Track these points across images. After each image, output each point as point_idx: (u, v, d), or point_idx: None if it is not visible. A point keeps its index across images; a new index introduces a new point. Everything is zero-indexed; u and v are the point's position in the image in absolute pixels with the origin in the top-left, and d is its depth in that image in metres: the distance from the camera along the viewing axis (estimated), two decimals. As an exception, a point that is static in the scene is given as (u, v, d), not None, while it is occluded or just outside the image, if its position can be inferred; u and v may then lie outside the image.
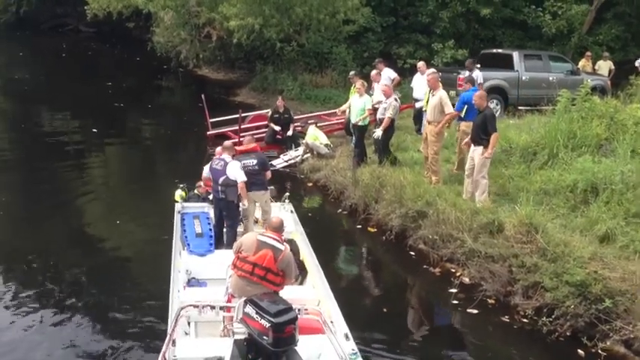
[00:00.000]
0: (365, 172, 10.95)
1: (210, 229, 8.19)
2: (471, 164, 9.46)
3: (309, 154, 13.47)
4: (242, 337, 5.05)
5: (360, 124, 11.94)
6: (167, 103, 22.82)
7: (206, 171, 8.67)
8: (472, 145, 9.45)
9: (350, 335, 5.73)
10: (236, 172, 8.08)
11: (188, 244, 7.84)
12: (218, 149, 8.70)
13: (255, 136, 11.91)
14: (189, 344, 5.47)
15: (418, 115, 13.62)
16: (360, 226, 10.30)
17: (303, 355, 4.94)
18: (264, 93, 20.31)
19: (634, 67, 17.76)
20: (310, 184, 12.50)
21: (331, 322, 5.80)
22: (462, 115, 10.47)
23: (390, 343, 7.08)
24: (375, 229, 10.04)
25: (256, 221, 8.63)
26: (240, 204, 8.23)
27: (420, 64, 14.03)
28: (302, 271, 7.27)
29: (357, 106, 12.01)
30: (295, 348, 4.87)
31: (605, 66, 18.29)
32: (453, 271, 8.54)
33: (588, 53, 18.78)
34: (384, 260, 9.87)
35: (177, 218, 8.48)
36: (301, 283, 7.19)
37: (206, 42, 21.96)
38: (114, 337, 6.95)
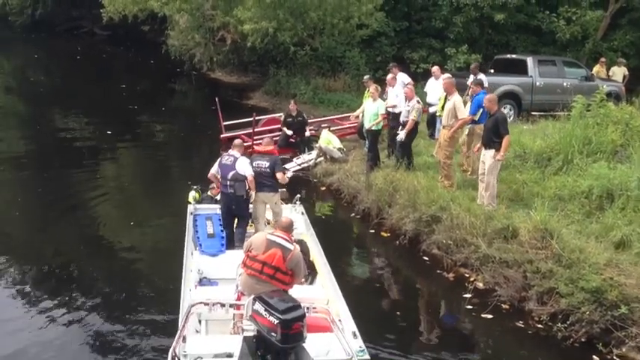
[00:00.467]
0: (378, 177, 10.96)
1: (222, 230, 8.29)
2: (482, 168, 9.45)
3: (322, 158, 13.51)
4: (251, 334, 5.14)
5: (373, 128, 11.95)
6: (181, 106, 22.98)
7: (215, 167, 8.79)
8: (483, 148, 9.44)
9: (358, 333, 5.80)
10: (245, 167, 8.28)
11: (200, 245, 7.94)
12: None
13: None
14: (199, 341, 5.56)
15: (431, 120, 13.63)
16: (373, 231, 10.30)
17: (312, 353, 5.00)
18: (277, 96, 20.42)
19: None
20: (323, 188, 12.53)
21: (339, 320, 5.87)
22: (476, 119, 10.48)
23: (403, 345, 7.08)
24: (389, 234, 10.04)
25: (268, 223, 8.68)
26: (250, 205, 8.34)
27: (435, 68, 14.02)
28: (312, 271, 7.34)
29: (370, 110, 12.02)
30: (303, 345, 4.94)
31: (619, 72, 18.17)
32: (467, 276, 8.53)
33: (602, 59, 18.68)
34: (397, 264, 9.86)
35: (189, 219, 8.61)
36: (311, 283, 7.25)
37: (220, 45, 22.08)
38: (125, 334, 7.04)
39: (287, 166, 12.98)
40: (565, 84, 15.84)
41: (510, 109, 15.30)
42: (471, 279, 8.41)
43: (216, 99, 15.15)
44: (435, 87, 13.17)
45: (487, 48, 21.47)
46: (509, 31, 21.51)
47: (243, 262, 5.96)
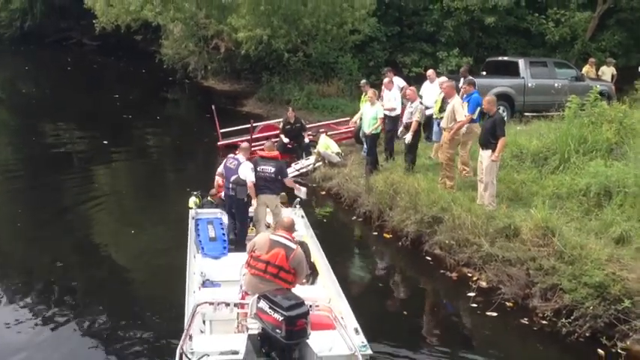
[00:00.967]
0: (378, 180, 11.08)
1: (224, 234, 8.41)
2: (481, 169, 9.61)
3: (320, 163, 13.60)
4: (256, 332, 5.29)
5: (372, 132, 12.06)
6: (175, 115, 23.01)
7: (221, 167, 9.03)
8: (480, 149, 9.60)
9: (360, 330, 5.89)
10: (247, 172, 8.46)
11: (202, 248, 8.05)
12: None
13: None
14: (205, 339, 5.68)
15: (427, 123, 13.74)
16: (375, 233, 10.41)
17: (315, 349, 5.13)
18: (272, 103, 20.54)
19: (637, 73, 17.88)
20: (323, 193, 12.61)
21: (342, 317, 5.98)
22: (475, 117, 10.64)
23: (408, 343, 7.20)
24: (391, 236, 10.15)
25: (268, 226, 8.79)
26: (251, 207, 8.50)
27: (430, 72, 14.09)
28: (313, 272, 7.44)
29: (369, 114, 12.13)
30: (307, 341, 5.08)
31: (608, 72, 18.40)
32: (470, 275, 8.65)
33: (592, 59, 18.90)
34: (400, 265, 9.97)
35: (191, 223, 8.73)
36: (312, 284, 7.37)
37: (214, 53, 22.17)
38: (132, 337, 7.13)
39: (286, 171, 13.06)
40: (556, 84, 16.06)
41: (503, 111, 15.44)
42: (475, 278, 8.52)
43: (213, 107, 15.23)
44: (430, 90, 13.26)
45: (478, 51, 21.68)
46: (499, 33, 21.75)
47: (247, 262, 6.08)
